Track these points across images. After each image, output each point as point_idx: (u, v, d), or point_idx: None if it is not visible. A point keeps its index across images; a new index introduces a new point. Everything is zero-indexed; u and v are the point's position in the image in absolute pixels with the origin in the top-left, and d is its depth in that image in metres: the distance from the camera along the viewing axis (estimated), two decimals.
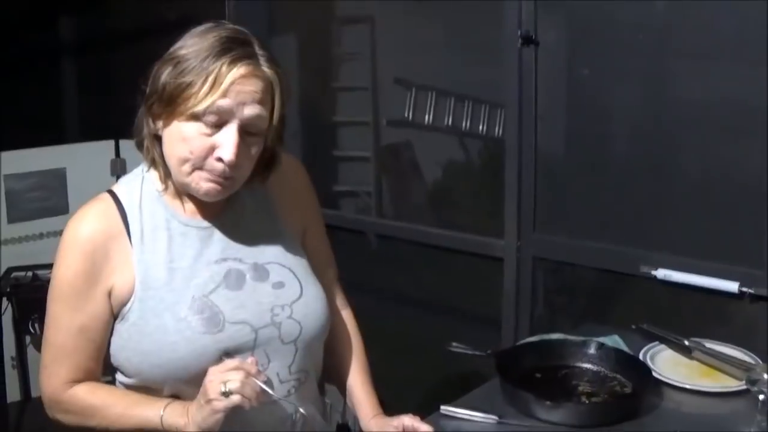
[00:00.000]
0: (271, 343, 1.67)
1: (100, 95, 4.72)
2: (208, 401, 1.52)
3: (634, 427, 1.92)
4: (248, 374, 1.53)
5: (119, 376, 1.71)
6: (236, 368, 1.53)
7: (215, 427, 1.55)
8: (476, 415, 1.93)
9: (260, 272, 1.71)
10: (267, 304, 1.68)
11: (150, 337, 1.61)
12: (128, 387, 1.69)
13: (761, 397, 1.78)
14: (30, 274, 3.79)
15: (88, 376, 1.68)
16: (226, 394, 1.51)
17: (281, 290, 1.71)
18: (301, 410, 1.68)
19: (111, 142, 4.08)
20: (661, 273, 2.52)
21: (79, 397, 1.67)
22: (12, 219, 3.97)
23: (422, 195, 3.64)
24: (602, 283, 2.83)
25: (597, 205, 2.78)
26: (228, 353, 1.61)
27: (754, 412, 1.77)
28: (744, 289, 2.36)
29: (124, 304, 1.63)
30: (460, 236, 3.14)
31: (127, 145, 3.97)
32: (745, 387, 2.03)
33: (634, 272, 2.58)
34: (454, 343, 2.22)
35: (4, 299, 3.75)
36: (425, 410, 1.90)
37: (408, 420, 1.76)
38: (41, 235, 3.97)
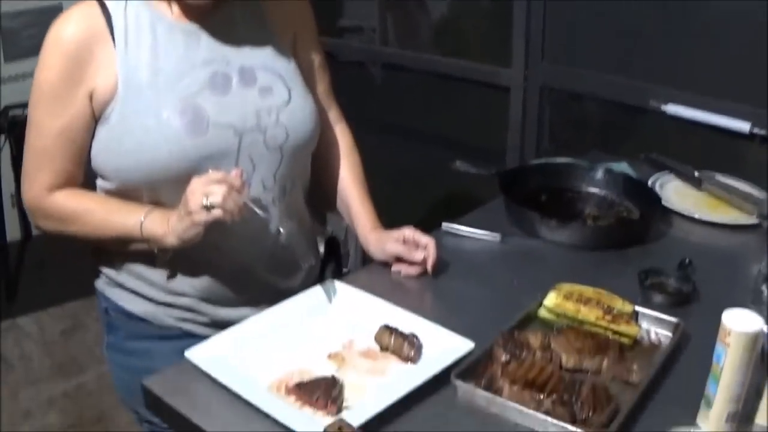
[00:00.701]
0: (255, 148, 1.63)
1: None
2: (189, 213, 1.50)
3: (641, 252, 1.91)
4: (231, 188, 1.50)
5: (99, 181, 1.67)
6: (220, 181, 1.50)
7: (195, 239, 1.53)
8: (478, 233, 1.91)
9: (247, 77, 1.65)
10: (252, 109, 1.63)
11: (131, 136, 1.56)
12: (108, 192, 1.66)
13: None
14: (27, 111, 3.75)
15: (69, 182, 1.64)
16: (208, 208, 1.47)
17: (268, 95, 1.66)
18: (281, 229, 1.65)
19: None
20: (671, 108, 2.48)
21: (59, 203, 1.64)
22: (9, 57, 3.94)
23: (428, 30, 3.57)
24: (610, 115, 2.79)
25: (608, 38, 2.70)
26: (211, 158, 1.57)
27: (764, 246, 1.74)
28: (756, 131, 2.32)
29: (107, 105, 1.58)
30: (466, 65, 3.09)
31: None
32: (754, 222, 2.01)
33: (644, 105, 2.54)
34: (458, 161, 2.18)
35: (2, 136, 3.74)
36: (427, 228, 1.85)
37: (409, 232, 1.73)
38: None
